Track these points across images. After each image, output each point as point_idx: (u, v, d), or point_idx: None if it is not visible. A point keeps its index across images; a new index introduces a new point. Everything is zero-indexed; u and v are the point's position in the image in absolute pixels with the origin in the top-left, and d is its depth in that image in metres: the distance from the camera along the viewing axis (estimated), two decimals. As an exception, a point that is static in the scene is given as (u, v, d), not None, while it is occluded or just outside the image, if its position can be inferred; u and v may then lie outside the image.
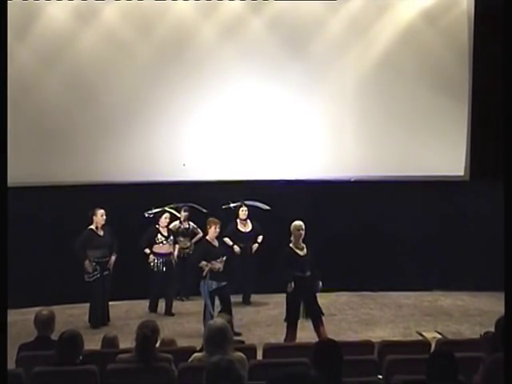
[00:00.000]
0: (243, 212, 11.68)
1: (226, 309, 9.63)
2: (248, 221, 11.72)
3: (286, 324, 9.07)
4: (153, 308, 11.33)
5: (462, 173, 12.65)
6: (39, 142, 11.58)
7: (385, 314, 11.19)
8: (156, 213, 11.45)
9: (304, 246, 9.04)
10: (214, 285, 9.69)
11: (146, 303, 11.42)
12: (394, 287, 12.42)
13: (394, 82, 12.41)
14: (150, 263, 11.19)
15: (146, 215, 11.36)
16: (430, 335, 9.43)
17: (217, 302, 9.68)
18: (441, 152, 12.47)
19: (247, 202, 11.82)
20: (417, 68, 12.48)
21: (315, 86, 12.33)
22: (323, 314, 9.14)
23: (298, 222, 9.05)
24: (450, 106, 12.48)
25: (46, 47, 11.57)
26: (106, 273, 10.52)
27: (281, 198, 12.17)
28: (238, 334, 7.22)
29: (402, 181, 12.46)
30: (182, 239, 11.92)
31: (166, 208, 11.57)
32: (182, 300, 11.95)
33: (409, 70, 12.45)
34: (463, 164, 12.63)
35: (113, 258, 10.59)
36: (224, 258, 9.82)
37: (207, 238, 9.87)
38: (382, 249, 12.50)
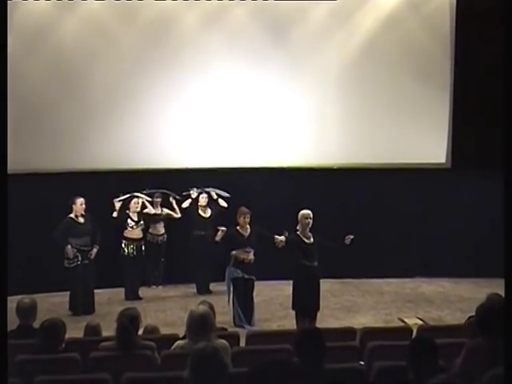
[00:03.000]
0: (203, 199, 11.71)
1: (246, 301, 9.72)
2: (207, 208, 11.76)
3: (294, 312, 9.09)
4: (129, 296, 11.34)
5: (443, 160, 12.72)
6: (20, 129, 11.49)
7: (367, 301, 11.26)
8: (125, 199, 11.43)
9: (311, 234, 9.01)
10: (239, 273, 9.70)
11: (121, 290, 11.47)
12: (376, 274, 12.51)
13: (377, 70, 12.43)
14: (121, 249, 11.26)
15: (116, 202, 11.31)
16: (412, 321, 9.49)
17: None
18: (423, 139, 12.53)
19: (207, 189, 11.86)
20: (400, 56, 12.50)
21: (298, 74, 12.33)
22: (318, 310, 9.16)
23: (305, 211, 9.01)
24: (432, 94, 12.52)
25: (29, 34, 11.47)
26: (85, 262, 10.51)
27: (261, 186, 12.23)
28: (224, 329, 7.24)
29: (384, 168, 12.51)
30: (154, 225, 11.96)
31: (136, 194, 11.57)
32: (155, 287, 12.06)
33: (392, 58, 12.48)
34: (445, 152, 12.69)
35: (94, 249, 10.59)
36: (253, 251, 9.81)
37: (237, 227, 9.83)
38: (364, 236, 12.50)
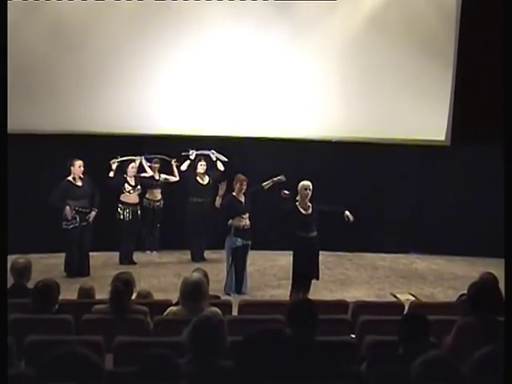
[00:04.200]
0: (202, 166, 11.70)
1: (240, 268, 9.77)
2: (205, 175, 11.76)
3: (291, 284, 9.13)
4: (123, 260, 11.37)
5: (443, 137, 12.68)
6: (16, 90, 11.40)
7: (360, 275, 11.30)
8: (122, 161, 11.41)
9: (310, 205, 9.04)
10: (239, 242, 9.75)
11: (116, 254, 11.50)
12: (371, 248, 12.55)
13: (381, 44, 12.30)
14: (117, 213, 11.25)
15: (113, 163, 11.27)
16: (404, 297, 9.54)
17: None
18: (423, 115, 12.45)
19: (207, 152, 11.84)
20: (404, 31, 12.35)
21: (300, 46, 12.20)
22: (317, 279, 9.20)
23: (305, 182, 9.04)
24: (434, 70, 12.42)
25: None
26: (84, 223, 10.52)
27: (259, 156, 12.22)
28: (217, 297, 7.28)
29: (382, 143, 12.45)
30: (151, 191, 11.97)
31: (134, 157, 11.55)
32: (150, 252, 12.10)
33: (395, 31, 12.33)
34: (444, 129, 12.65)
35: (93, 212, 10.60)
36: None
37: (233, 193, 9.88)
38: (360, 210, 12.51)
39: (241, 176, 9.97)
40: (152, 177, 11.86)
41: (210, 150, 11.87)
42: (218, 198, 10.00)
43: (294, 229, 9.01)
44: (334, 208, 9.22)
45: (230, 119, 12.26)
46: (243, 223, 9.79)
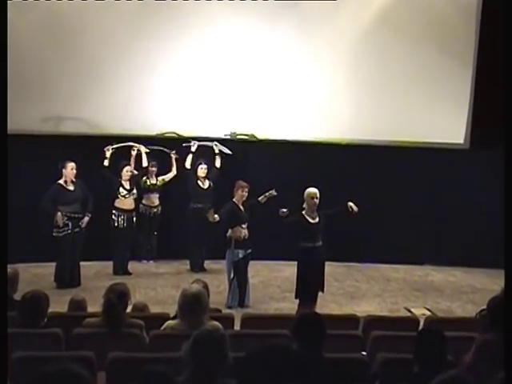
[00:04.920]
0: (202, 170, 11.72)
1: (241, 280, 9.76)
2: (206, 179, 11.78)
3: (297, 301, 9.11)
4: (117, 270, 11.37)
5: (461, 140, 12.66)
6: (10, 90, 11.43)
7: (372, 288, 11.28)
8: (119, 147, 11.41)
9: (317, 214, 9.03)
10: (241, 254, 9.77)
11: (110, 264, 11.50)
12: (383, 259, 12.52)
13: (393, 40, 12.28)
14: (111, 219, 11.26)
15: (107, 150, 11.27)
16: (419, 312, 9.52)
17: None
18: (440, 117, 12.44)
19: (209, 143, 11.87)
20: (418, 25, 12.32)
21: (308, 42, 12.22)
22: (322, 292, 9.19)
23: (312, 190, 9.03)
24: (452, 69, 12.39)
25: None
26: (76, 230, 10.51)
27: (261, 159, 12.26)
28: (218, 311, 7.28)
29: (395, 146, 12.45)
30: (148, 196, 11.98)
31: (131, 143, 11.58)
32: (146, 262, 12.13)
33: (409, 27, 12.31)
34: (463, 131, 12.62)
35: (86, 218, 10.59)
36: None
37: (234, 200, 9.88)
38: (372, 218, 12.54)
39: (242, 183, 9.96)
40: (147, 166, 11.85)
41: (212, 141, 11.91)
42: (210, 212, 9.93)
43: (299, 239, 8.99)
44: (337, 208, 9.22)
45: (233, 120, 12.27)
46: (243, 234, 9.79)
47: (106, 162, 11.25)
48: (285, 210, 9.20)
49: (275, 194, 9.97)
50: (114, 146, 11.34)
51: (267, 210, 10.10)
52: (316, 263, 9.02)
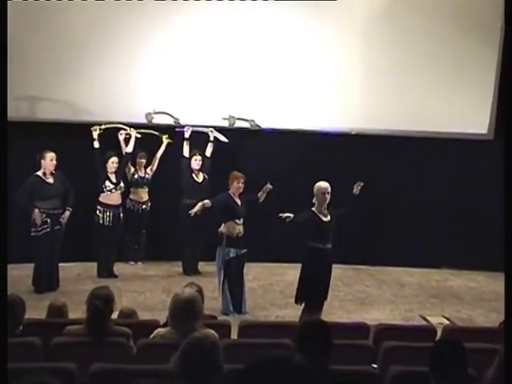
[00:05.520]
0: (196, 162, 11.77)
1: (236, 283, 9.76)
2: (200, 172, 11.84)
3: (302, 307, 9.07)
4: (102, 272, 11.39)
5: (485, 131, 12.67)
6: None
7: (383, 293, 11.30)
8: (107, 129, 11.43)
9: (328, 212, 8.96)
10: (232, 253, 9.76)
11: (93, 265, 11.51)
12: (396, 262, 12.55)
13: (410, 22, 12.30)
14: (95, 216, 11.27)
15: (94, 130, 11.27)
16: (436, 320, 9.53)
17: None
18: (462, 106, 12.45)
19: (205, 129, 11.92)
20: (438, 5, 12.35)
21: (319, 24, 12.22)
22: (325, 299, 9.13)
23: (323, 184, 8.95)
24: (475, 53, 12.40)
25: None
26: (57, 227, 10.49)
27: (262, 150, 12.28)
28: (213, 317, 7.28)
29: (411, 137, 12.46)
30: (136, 190, 12.01)
31: (121, 125, 11.62)
32: (134, 263, 12.18)
33: (428, 8, 12.32)
34: (487, 121, 12.63)
35: (67, 212, 10.57)
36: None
37: (229, 192, 9.90)
38: (385, 216, 12.56)
39: (237, 173, 9.95)
40: (138, 174, 11.88)
41: (208, 128, 11.95)
42: (197, 206, 9.98)
43: (309, 239, 8.93)
44: (343, 210, 9.12)
45: (232, 106, 12.29)
46: (237, 230, 9.77)
47: (96, 144, 11.27)
48: (289, 215, 9.11)
49: (271, 187, 9.96)
50: (103, 127, 11.36)
51: (267, 205, 10.12)
52: (324, 267, 8.98)
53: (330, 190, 8.92)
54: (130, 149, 11.71)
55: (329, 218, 8.95)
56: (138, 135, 11.72)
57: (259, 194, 10.00)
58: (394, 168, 12.59)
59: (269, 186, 9.96)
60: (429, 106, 12.42)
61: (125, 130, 11.68)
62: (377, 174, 12.50)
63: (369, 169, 12.52)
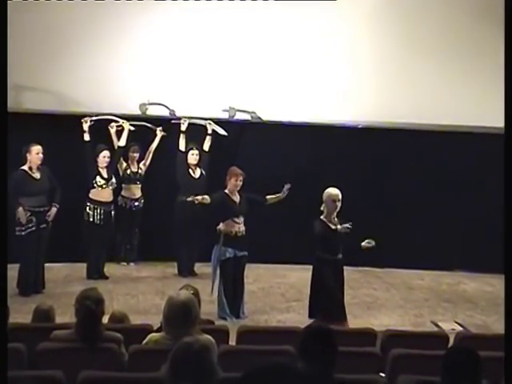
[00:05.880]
0: (193, 156, 11.78)
1: (233, 286, 9.75)
2: (197, 167, 11.86)
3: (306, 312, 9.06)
4: (92, 273, 11.39)
5: (501, 124, 12.63)
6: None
7: (392, 297, 11.31)
8: (98, 120, 11.41)
9: (338, 221, 8.86)
10: (229, 253, 9.75)
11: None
12: (405, 263, 12.56)
13: (422, 5, 12.32)
14: (85, 213, 11.26)
15: (84, 121, 11.25)
16: (448, 326, 9.54)
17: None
18: (477, 97, 12.44)
19: (203, 122, 11.94)
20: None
21: (326, 13, 12.26)
22: (344, 320, 8.93)
23: (334, 191, 8.85)
24: (492, 40, 12.37)
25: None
26: (43, 226, 10.48)
27: (270, 142, 12.32)
28: (211, 322, 7.29)
29: (423, 130, 12.47)
30: (129, 186, 12.02)
31: (113, 117, 11.60)
32: (126, 264, 12.20)
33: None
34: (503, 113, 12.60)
35: (53, 209, 10.55)
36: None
37: (226, 190, 9.89)
38: (393, 214, 12.55)
39: (236, 170, 9.95)
40: (131, 169, 11.90)
41: (206, 120, 11.96)
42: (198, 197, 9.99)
43: (318, 249, 8.82)
44: (352, 244, 9.00)
45: (232, 98, 12.33)
46: (236, 229, 9.77)
47: (86, 136, 11.26)
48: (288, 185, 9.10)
49: (289, 186, 9.92)
50: (94, 118, 11.35)
51: (269, 206, 10.12)
52: (336, 279, 8.84)
53: (340, 197, 8.83)
54: (122, 142, 11.70)
55: (339, 226, 8.84)
56: (132, 128, 11.71)
57: (270, 197, 9.97)
58: (403, 164, 12.61)
59: (288, 186, 9.92)
60: (439, 97, 12.42)
61: (116, 122, 11.68)
62: (385, 171, 12.53)
63: (377, 164, 12.55)
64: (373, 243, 9.00)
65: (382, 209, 12.58)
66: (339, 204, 8.83)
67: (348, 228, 8.77)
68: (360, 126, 12.54)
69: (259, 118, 12.39)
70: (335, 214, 8.87)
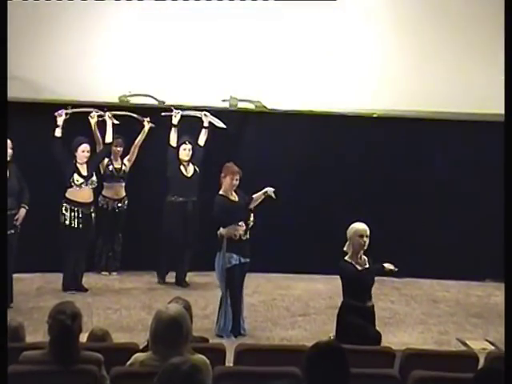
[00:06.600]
0: (186, 151, 11.82)
1: (236, 298, 9.79)
2: (190, 164, 11.88)
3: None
4: (68, 285, 11.40)
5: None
6: None
7: (413, 311, 11.33)
8: (76, 112, 11.41)
9: (366, 258, 8.72)
10: (234, 259, 9.75)
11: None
12: (428, 273, 12.60)
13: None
14: (61, 216, 11.25)
15: (59, 115, 11.24)
16: (478, 345, 9.54)
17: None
18: (488, 81, 12.45)
19: (198, 114, 12.00)
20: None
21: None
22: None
23: (360, 226, 8.66)
24: (496, 26, 12.46)
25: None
26: (11, 232, 10.49)
27: (262, 134, 12.54)
28: (205, 340, 7.31)
29: (441, 119, 12.51)
30: (111, 184, 12.05)
31: (91, 110, 11.56)
32: (107, 274, 12.24)
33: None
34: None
35: (22, 210, 10.56)
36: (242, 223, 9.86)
37: (221, 192, 9.91)
38: (413, 216, 12.55)
39: (233, 167, 9.97)
40: (113, 166, 11.93)
41: (201, 111, 11.99)
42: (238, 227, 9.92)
43: (346, 295, 8.66)
44: (377, 266, 8.93)
45: (233, 85, 12.41)
46: (240, 231, 9.77)
47: (57, 132, 11.21)
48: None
49: (272, 193, 9.93)
50: (70, 111, 11.33)
51: (267, 206, 10.12)
52: (366, 331, 8.54)
53: (368, 232, 8.64)
54: (109, 138, 11.71)
55: (367, 266, 8.71)
56: (116, 121, 11.70)
57: (255, 196, 9.99)
58: (423, 157, 12.70)
59: (270, 190, 9.93)
60: (449, 81, 12.51)
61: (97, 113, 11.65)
62: (401, 165, 12.55)
63: (390, 157, 12.58)
64: (396, 269, 8.95)
65: (400, 208, 12.59)
66: (367, 240, 8.63)
67: (394, 270, 8.80)
68: (375, 116, 12.57)
69: (265, 107, 12.40)
70: (362, 252, 8.67)
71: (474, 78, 12.49)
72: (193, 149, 11.84)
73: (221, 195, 9.90)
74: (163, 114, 11.88)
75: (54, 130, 11.19)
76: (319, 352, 4.83)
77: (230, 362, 6.71)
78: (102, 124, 11.69)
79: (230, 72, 12.31)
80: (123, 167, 12.11)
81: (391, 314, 11.11)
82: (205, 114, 11.96)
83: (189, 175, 11.85)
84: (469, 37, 12.53)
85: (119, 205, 12.14)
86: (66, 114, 11.29)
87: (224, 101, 12.32)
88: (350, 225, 8.69)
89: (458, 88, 12.45)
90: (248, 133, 12.70)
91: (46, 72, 11.97)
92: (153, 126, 11.97)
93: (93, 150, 11.48)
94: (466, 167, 12.69)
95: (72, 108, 11.42)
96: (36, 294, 11.15)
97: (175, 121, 11.82)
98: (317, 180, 12.38)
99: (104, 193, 12.05)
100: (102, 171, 11.93)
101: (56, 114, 11.23)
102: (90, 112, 11.63)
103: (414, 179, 12.60)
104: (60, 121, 11.21)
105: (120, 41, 12.15)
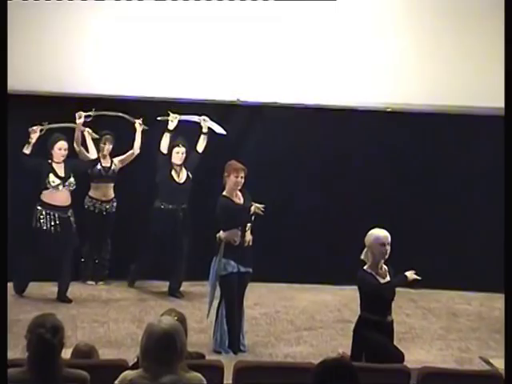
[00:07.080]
0: (178, 155, 11.81)
1: (236, 310, 9.78)
2: (183, 168, 11.88)
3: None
4: (20, 289, 11.44)
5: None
6: None
7: (430, 326, 11.34)
8: (53, 128, 11.40)
9: (386, 268, 8.57)
10: (232, 267, 9.73)
11: (45, 285, 11.62)
12: (447, 283, 12.60)
13: None
14: (34, 219, 11.24)
15: (33, 130, 11.21)
16: (502, 364, 9.52)
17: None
18: (495, 73, 12.51)
19: (197, 118, 11.99)
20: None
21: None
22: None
23: (381, 232, 8.50)
24: (495, 18, 12.54)
25: None
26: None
27: (268, 131, 12.62)
28: (201, 356, 7.30)
29: (458, 114, 12.57)
30: (99, 185, 12.07)
31: (72, 125, 11.57)
32: (94, 283, 12.26)
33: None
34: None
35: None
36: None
37: (225, 192, 9.89)
38: (429, 221, 12.56)
39: (237, 164, 9.96)
40: (101, 165, 11.96)
41: (200, 115, 11.97)
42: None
43: (362, 308, 8.56)
44: (399, 278, 8.72)
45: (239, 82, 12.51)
46: (241, 237, 9.77)
47: (26, 149, 11.17)
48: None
49: (261, 211, 9.85)
50: (46, 127, 11.32)
51: (270, 212, 10.12)
52: (385, 348, 8.46)
53: (390, 239, 8.49)
54: (93, 154, 11.87)
55: (388, 278, 8.58)
56: (96, 136, 11.84)
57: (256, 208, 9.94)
58: (439, 154, 12.78)
59: (259, 208, 9.87)
60: (463, 75, 12.63)
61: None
62: (418, 164, 12.59)
63: (408, 158, 12.62)
64: (419, 278, 8.78)
65: (417, 215, 12.59)
66: (389, 248, 8.48)
67: (417, 279, 8.68)
68: (388, 110, 12.62)
69: (275, 102, 12.46)
70: (383, 261, 8.53)
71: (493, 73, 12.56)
72: (187, 152, 11.81)
73: (224, 196, 9.88)
74: (159, 118, 11.86)
75: (22, 146, 11.14)
76: (327, 370, 4.82)
77: (228, 380, 6.70)
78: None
79: (237, 69, 12.47)
80: (113, 166, 12.09)
81: (406, 329, 11.08)
82: (204, 119, 11.91)
83: (181, 181, 11.81)
84: (487, 30, 12.58)
85: (107, 207, 12.12)
86: (41, 130, 11.26)
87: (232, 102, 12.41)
88: (366, 231, 8.56)
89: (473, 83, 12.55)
90: (252, 132, 12.72)
91: (25, 62, 12.01)
92: (146, 128, 11.94)
93: (69, 149, 11.41)
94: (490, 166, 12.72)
95: (49, 124, 11.38)
96: (13, 305, 11.05)
97: (171, 126, 11.79)
98: (325, 184, 12.40)
99: (91, 193, 12.04)
100: (88, 170, 11.90)
101: (30, 129, 11.19)
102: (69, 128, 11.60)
103: (434, 179, 12.62)
104: (34, 137, 11.19)
105: (119, 40, 12.25)
